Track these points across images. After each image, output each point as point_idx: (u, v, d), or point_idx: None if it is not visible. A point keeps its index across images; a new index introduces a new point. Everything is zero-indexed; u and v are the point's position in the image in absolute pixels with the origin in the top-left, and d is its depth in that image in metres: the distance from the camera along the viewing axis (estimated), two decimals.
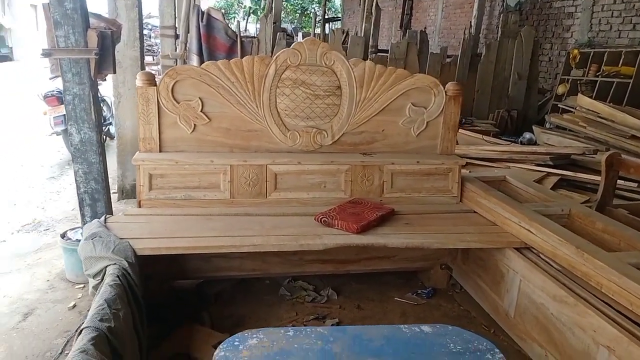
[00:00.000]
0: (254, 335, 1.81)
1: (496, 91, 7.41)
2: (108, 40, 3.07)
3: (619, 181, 3.79)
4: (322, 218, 2.81)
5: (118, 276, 2.17)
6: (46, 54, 2.95)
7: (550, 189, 3.98)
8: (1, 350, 2.56)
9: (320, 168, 3.11)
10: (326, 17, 25.26)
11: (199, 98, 2.92)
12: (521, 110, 7.36)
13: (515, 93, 7.39)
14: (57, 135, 6.38)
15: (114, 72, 3.24)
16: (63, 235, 3.28)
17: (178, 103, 2.90)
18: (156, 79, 2.92)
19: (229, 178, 2.97)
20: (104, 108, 6.98)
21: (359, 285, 3.35)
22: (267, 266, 3.16)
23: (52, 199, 4.91)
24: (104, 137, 6.24)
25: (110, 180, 3.74)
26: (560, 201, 3.01)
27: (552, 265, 2.47)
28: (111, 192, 3.66)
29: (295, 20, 28.32)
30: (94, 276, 2.30)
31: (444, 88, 3.23)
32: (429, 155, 3.29)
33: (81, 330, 1.79)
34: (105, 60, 3.11)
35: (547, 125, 6.19)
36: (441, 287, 3.38)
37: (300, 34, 23.54)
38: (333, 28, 10.17)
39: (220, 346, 1.74)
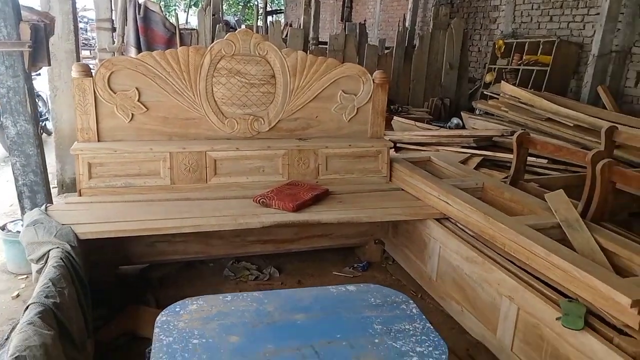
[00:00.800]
0: (194, 302, 1.98)
1: (430, 80, 7.81)
2: (41, 33, 3.10)
3: (534, 159, 4.22)
4: (260, 199, 2.99)
5: (61, 258, 2.26)
6: None
7: (474, 168, 4.33)
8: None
9: (258, 153, 3.29)
10: (269, 9, 25.14)
11: (136, 88, 3.02)
12: (454, 98, 7.80)
13: (447, 82, 7.81)
14: None
15: (49, 65, 3.27)
16: (3, 228, 3.29)
17: (115, 93, 2.99)
18: (92, 71, 2.99)
19: (169, 165, 3.09)
20: (40, 103, 6.82)
21: (299, 262, 3.56)
22: (211, 249, 3.30)
23: None
24: (41, 131, 6.11)
25: (50, 176, 3.75)
26: (475, 177, 3.33)
27: (465, 232, 2.77)
28: (51, 186, 3.68)
29: (238, 13, 28.08)
30: (37, 260, 2.38)
31: (372, 76, 3.47)
32: (360, 139, 3.54)
33: (27, 307, 1.89)
34: (39, 53, 3.14)
35: (477, 112, 6.63)
36: (376, 260, 3.64)
37: (242, 26, 23.33)
38: (274, 20, 10.30)
39: (162, 312, 1.89)
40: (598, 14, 5.88)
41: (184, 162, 3.12)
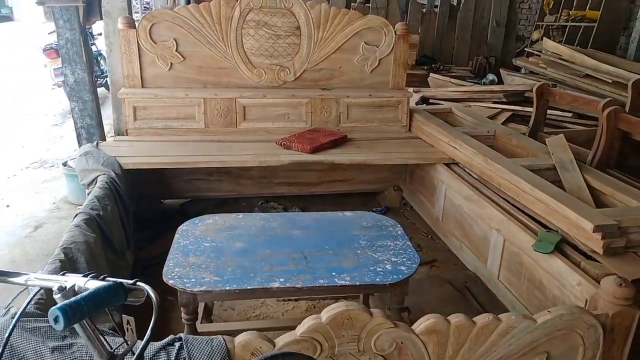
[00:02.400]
0: (211, 218, 2.33)
1: (475, 39, 7.70)
2: None
3: (559, 113, 4.23)
4: (282, 142, 3.28)
5: (107, 182, 2.67)
6: (40, 2, 3.37)
7: (503, 122, 4.40)
8: (18, 252, 3.11)
9: (284, 101, 3.56)
10: None
11: (174, 39, 3.35)
12: (499, 57, 7.66)
13: (493, 40, 7.67)
14: (59, 87, 6.81)
15: (101, 19, 3.66)
16: (65, 164, 3.79)
17: (155, 43, 3.33)
18: (136, 23, 3.34)
19: (203, 110, 3.43)
20: (101, 62, 7.36)
21: (323, 205, 3.85)
22: (241, 188, 3.67)
23: (55, 142, 5.42)
24: (102, 85, 6.68)
25: (107, 126, 4.23)
26: (488, 125, 3.44)
27: (470, 174, 2.94)
28: (108, 135, 4.16)
29: None
30: (88, 185, 2.81)
31: (394, 28, 3.61)
32: (381, 89, 3.71)
33: (76, 215, 2.30)
34: (92, 9, 3.54)
35: (522, 71, 6.52)
36: (395, 206, 3.88)
37: None
38: None
39: (183, 224, 2.25)
40: None
41: (216, 108, 3.45)
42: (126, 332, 0.89)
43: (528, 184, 2.31)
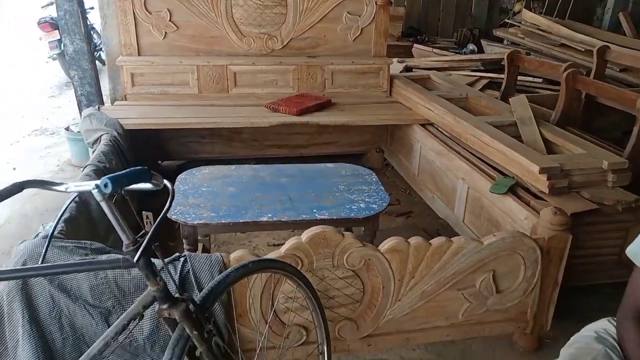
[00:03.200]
0: (207, 168, 2.61)
1: (460, 11, 7.90)
2: None
3: (530, 79, 4.51)
4: (270, 105, 3.54)
5: (110, 140, 2.93)
6: None
7: (480, 89, 4.67)
8: (28, 207, 3.38)
9: (272, 68, 3.80)
10: None
11: (167, 9, 3.56)
12: (483, 28, 7.88)
13: (478, 12, 7.88)
14: (54, 59, 6.95)
15: None
16: (67, 129, 4.03)
17: (150, 14, 3.54)
18: None
19: (196, 76, 3.67)
20: (94, 35, 7.48)
21: None
22: (233, 150, 3.93)
23: (54, 112, 5.63)
24: (96, 58, 6.83)
25: (104, 98, 4.45)
26: (461, 89, 3.72)
27: (442, 133, 3.22)
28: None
29: None
30: (93, 144, 3.06)
31: None
32: (364, 57, 3.96)
33: (84, 167, 2.57)
34: None
35: (505, 42, 6.75)
36: (377, 167, 4.15)
37: None
38: None
39: (182, 173, 2.53)
40: None
41: (208, 74, 3.69)
42: (146, 225, 1.18)
43: (489, 137, 2.61)
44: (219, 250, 2.84)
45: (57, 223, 1.25)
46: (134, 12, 3.52)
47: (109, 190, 0.98)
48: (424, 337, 2.08)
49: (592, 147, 2.53)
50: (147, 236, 1.06)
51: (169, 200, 1.09)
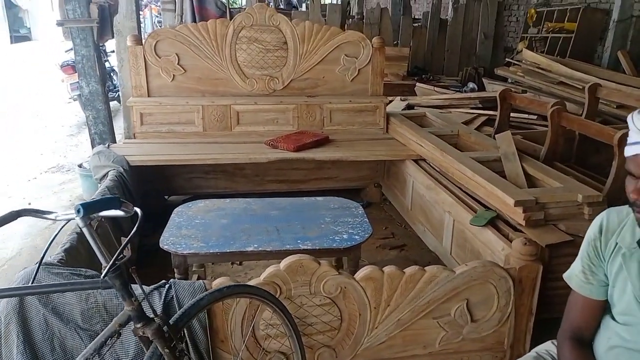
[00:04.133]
0: (202, 202, 2.75)
1: (465, 50, 8.13)
2: (106, 12, 3.99)
3: (525, 116, 4.63)
4: (270, 142, 3.72)
5: (116, 176, 3.12)
6: (59, 24, 3.88)
7: (478, 126, 4.80)
8: (39, 240, 3.56)
9: (273, 107, 4.00)
10: None
11: (176, 54, 3.82)
12: (488, 67, 8.07)
13: (482, 51, 8.10)
14: (75, 100, 7.35)
15: (113, 37, 4.18)
16: (80, 166, 4.26)
17: (160, 58, 3.81)
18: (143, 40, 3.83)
19: (201, 115, 3.89)
20: (114, 77, 7.90)
21: None
22: (236, 185, 4.10)
23: (71, 150, 5.93)
24: (114, 98, 7.20)
25: (119, 135, 4.71)
26: (453, 126, 3.85)
27: (433, 168, 3.34)
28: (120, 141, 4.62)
29: None
30: (100, 179, 3.26)
31: (371, 42, 4.05)
32: (361, 96, 4.15)
33: None
34: (105, 28, 4.04)
35: (509, 80, 6.91)
36: (375, 201, 4.28)
37: (304, 5, 23.83)
38: None
39: (178, 206, 2.69)
40: None
41: (213, 114, 3.90)
42: (125, 250, 1.32)
43: (470, 171, 2.72)
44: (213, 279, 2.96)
45: (47, 248, 1.40)
46: (144, 56, 3.79)
47: (81, 214, 1.13)
48: None
49: (571, 181, 2.62)
50: (112, 259, 1.20)
51: (136, 225, 1.23)
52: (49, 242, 1.44)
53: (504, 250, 2.28)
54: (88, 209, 1.13)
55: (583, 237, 2.31)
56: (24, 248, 3.45)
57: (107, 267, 1.23)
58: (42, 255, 1.44)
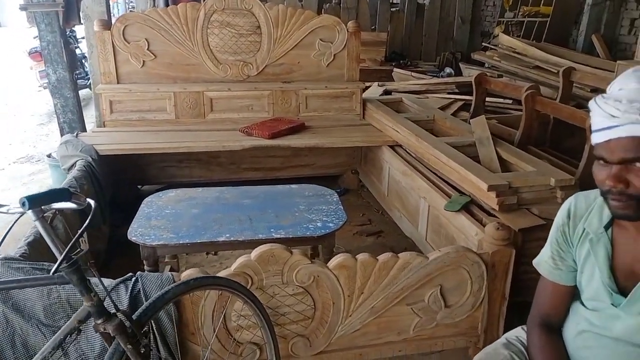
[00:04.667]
0: (173, 191, 2.69)
1: (442, 35, 8.11)
2: None
3: (501, 100, 4.64)
4: (244, 129, 3.65)
5: (84, 166, 3.03)
6: (23, 8, 3.72)
7: (455, 111, 4.79)
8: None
9: (247, 93, 3.93)
10: None
11: (145, 39, 3.70)
12: (465, 52, 8.07)
13: (459, 36, 8.09)
14: (45, 88, 7.12)
15: (80, 23, 4.02)
16: (49, 156, 4.13)
17: (128, 43, 3.68)
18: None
19: (173, 102, 3.79)
20: (85, 63, 7.68)
21: None
22: (211, 173, 4.02)
23: (41, 140, 5.75)
24: (87, 86, 7.01)
25: (91, 124, 4.56)
26: (429, 111, 3.83)
27: (409, 154, 3.32)
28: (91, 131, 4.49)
29: None
30: (68, 170, 3.16)
31: (346, 26, 3.98)
32: (337, 81, 4.09)
33: None
34: (71, 13, 3.89)
35: (486, 65, 6.92)
36: (353, 188, 4.25)
37: None
38: None
39: (148, 197, 2.61)
40: None
41: (185, 101, 3.81)
42: (81, 243, 1.26)
43: (445, 156, 2.70)
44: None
45: (0, 243, 1.33)
46: (112, 42, 3.66)
47: (26, 207, 1.07)
48: (377, 352, 2.13)
49: (544, 165, 2.62)
50: (64, 252, 1.14)
51: (89, 218, 1.17)
52: (2, 237, 1.38)
53: (477, 235, 2.28)
54: (33, 201, 1.07)
55: None
56: None
57: (59, 261, 1.17)
58: None
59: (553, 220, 2.32)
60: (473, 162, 2.63)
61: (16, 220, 1.36)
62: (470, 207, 2.52)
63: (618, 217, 1.14)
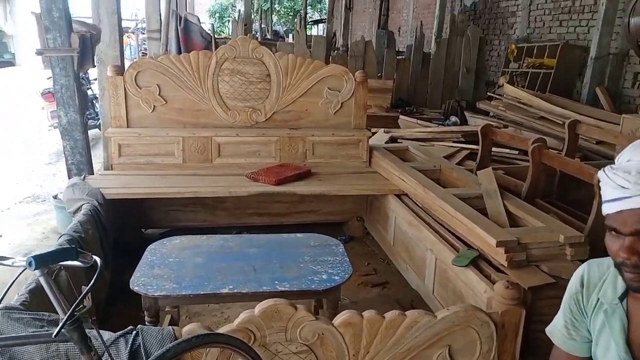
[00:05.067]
0: (178, 238, 2.67)
1: (447, 84, 8.25)
2: (88, 42, 3.94)
3: (507, 150, 4.66)
4: (250, 175, 3.66)
5: (90, 210, 3.02)
6: (39, 52, 3.82)
7: (460, 160, 4.81)
8: (8, 275, 3.40)
9: (255, 139, 3.96)
10: (316, 19, 25.85)
11: (157, 84, 3.78)
12: (470, 100, 8.17)
13: (464, 85, 8.22)
14: (55, 128, 7.23)
15: (93, 66, 4.12)
16: (55, 197, 4.14)
17: (140, 88, 3.76)
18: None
19: (182, 147, 3.83)
20: (97, 104, 7.83)
21: None
22: (216, 218, 4.01)
23: (49, 179, 5.79)
24: (96, 126, 7.11)
25: (98, 164, 4.61)
26: (435, 161, 3.84)
27: (415, 203, 3.31)
28: (98, 172, 4.52)
29: (288, 23, 29.29)
30: (74, 213, 3.15)
31: (354, 75, 4.06)
32: (344, 129, 4.13)
33: (60, 237, 2.64)
34: (85, 58, 3.98)
35: (490, 114, 7.00)
36: (358, 235, 4.22)
37: (290, 35, 24.20)
38: (299, 30, 11.05)
39: (153, 243, 2.59)
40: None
41: (193, 145, 3.85)
42: (85, 300, 1.23)
43: (452, 208, 2.69)
44: (190, 322, 2.84)
45: (3, 296, 1.31)
46: (124, 87, 3.74)
47: (32, 268, 1.06)
48: None
49: (553, 220, 2.60)
50: (68, 312, 1.12)
51: (95, 277, 1.15)
52: (5, 290, 1.35)
53: (486, 292, 2.23)
54: (40, 261, 1.05)
55: (565, 279, 2.29)
56: None
57: (63, 321, 1.15)
58: None
59: (562, 278, 2.30)
60: (481, 215, 2.61)
61: (19, 275, 1.34)
62: (478, 261, 2.48)
63: (634, 290, 1.11)
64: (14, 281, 1.33)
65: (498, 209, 2.78)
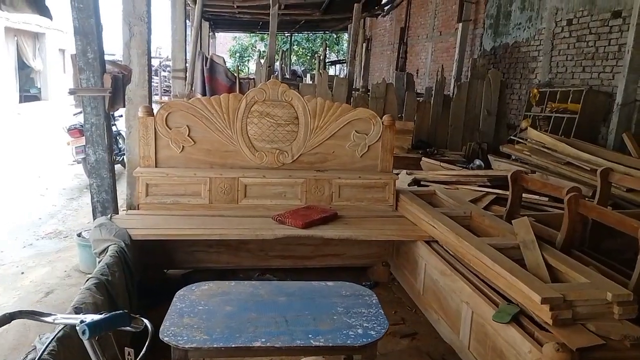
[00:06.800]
0: (206, 284, 2.60)
1: (468, 126, 8.23)
2: (119, 82, 4.01)
3: (537, 197, 4.56)
4: (277, 217, 3.62)
5: (117, 252, 2.99)
6: (72, 92, 3.88)
7: (486, 205, 4.72)
8: (33, 336, 3.35)
9: (281, 181, 3.94)
10: (334, 59, 26.39)
11: (187, 125, 3.80)
12: (491, 143, 8.12)
13: (485, 128, 8.19)
14: (78, 163, 7.33)
15: (124, 106, 4.18)
16: (79, 235, 4.12)
17: (170, 129, 3.78)
18: (154, 111, 3.82)
19: (208, 187, 3.81)
20: (120, 140, 7.95)
21: (316, 278, 4.05)
22: (239, 260, 3.94)
23: (71, 215, 5.80)
24: (118, 162, 7.17)
25: (121, 201, 4.60)
26: (465, 206, 3.76)
27: (447, 251, 3.22)
28: (121, 208, 4.52)
29: (306, 63, 29.94)
30: (100, 254, 3.12)
31: (381, 119, 4.06)
32: (370, 172, 4.10)
33: (87, 279, 2.60)
34: (117, 97, 4.04)
35: (512, 157, 6.93)
36: (383, 281, 4.11)
37: (308, 75, 24.68)
38: (321, 71, 11.23)
39: (181, 289, 2.53)
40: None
41: (220, 186, 3.83)
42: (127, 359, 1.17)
43: (490, 259, 2.59)
44: None
45: (43, 352, 1.26)
46: (155, 127, 3.77)
47: (86, 337, 1.00)
48: None
49: (597, 276, 2.49)
50: None
51: (147, 342, 1.09)
52: (45, 346, 1.30)
53: (531, 352, 2.11)
54: (94, 329, 1.00)
55: (614, 340, 2.17)
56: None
57: None
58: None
59: (611, 338, 2.17)
60: (520, 268, 2.51)
61: (59, 331, 1.29)
62: (518, 317, 2.37)
63: None
64: (53, 338, 1.28)
65: (537, 262, 2.68)
